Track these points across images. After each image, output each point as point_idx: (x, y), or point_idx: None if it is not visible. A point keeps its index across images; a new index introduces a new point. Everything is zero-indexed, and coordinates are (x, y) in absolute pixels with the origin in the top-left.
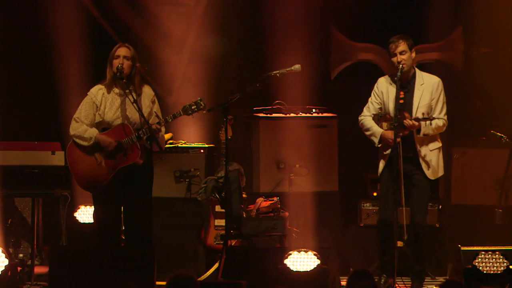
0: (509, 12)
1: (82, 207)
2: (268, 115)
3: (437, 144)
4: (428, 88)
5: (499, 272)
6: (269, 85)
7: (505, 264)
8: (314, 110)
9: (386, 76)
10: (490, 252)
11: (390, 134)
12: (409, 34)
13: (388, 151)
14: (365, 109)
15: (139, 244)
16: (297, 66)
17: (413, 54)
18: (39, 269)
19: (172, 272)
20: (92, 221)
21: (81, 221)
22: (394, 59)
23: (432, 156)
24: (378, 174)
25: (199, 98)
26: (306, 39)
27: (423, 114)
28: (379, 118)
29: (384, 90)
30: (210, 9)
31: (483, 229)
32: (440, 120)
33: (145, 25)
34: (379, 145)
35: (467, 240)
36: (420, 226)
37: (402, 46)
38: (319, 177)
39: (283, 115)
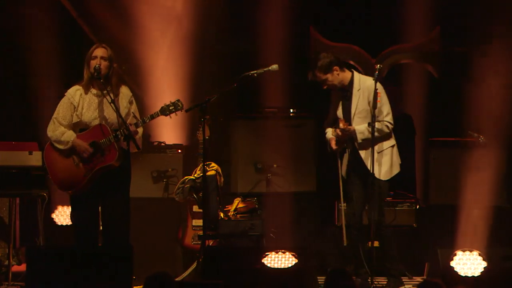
0: (485, 12)
1: (60, 208)
2: (246, 115)
3: (390, 142)
4: (364, 93)
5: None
6: (247, 85)
7: (482, 264)
8: (291, 111)
9: None
10: (467, 252)
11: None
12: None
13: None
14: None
15: (116, 245)
16: (274, 66)
17: (335, 73)
18: (16, 269)
19: (150, 272)
20: (69, 222)
21: (59, 223)
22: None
23: (383, 157)
24: (344, 173)
25: (177, 99)
26: (284, 39)
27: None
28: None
29: (334, 97)
30: (187, 9)
31: (460, 228)
32: (380, 123)
33: (123, 25)
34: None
35: (444, 240)
36: (379, 226)
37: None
38: (296, 177)
39: (261, 115)
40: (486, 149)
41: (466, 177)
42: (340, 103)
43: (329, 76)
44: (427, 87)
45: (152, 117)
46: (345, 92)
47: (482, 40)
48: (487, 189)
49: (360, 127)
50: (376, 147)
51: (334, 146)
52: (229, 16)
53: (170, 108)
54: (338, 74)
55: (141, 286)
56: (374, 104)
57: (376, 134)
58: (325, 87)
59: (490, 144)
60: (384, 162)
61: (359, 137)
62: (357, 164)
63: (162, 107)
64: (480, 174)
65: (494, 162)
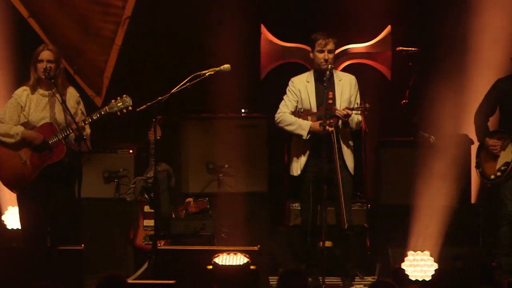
0: (436, 11)
1: (10, 207)
2: (198, 115)
3: (352, 141)
4: (346, 85)
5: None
6: (199, 85)
7: (433, 264)
8: (243, 111)
9: (302, 75)
10: (418, 252)
11: (318, 126)
12: (337, 34)
13: (308, 148)
14: (282, 107)
15: (65, 245)
16: (226, 66)
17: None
18: None
19: (101, 273)
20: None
21: (9, 226)
22: (321, 55)
23: (351, 152)
24: (299, 172)
25: (124, 95)
26: (235, 39)
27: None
28: (299, 113)
29: (302, 87)
30: (138, 9)
31: (411, 229)
32: (359, 115)
33: (74, 25)
34: (307, 137)
35: (395, 240)
36: (346, 225)
37: (331, 45)
38: (248, 178)
39: (213, 115)
40: (437, 149)
41: (417, 177)
42: (308, 92)
43: (334, 54)
44: (378, 87)
45: (101, 114)
46: (322, 78)
47: (432, 40)
48: (438, 189)
49: (353, 115)
50: (350, 142)
51: (330, 128)
52: (180, 15)
53: (118, 104)
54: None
55: None
56: (355, 98)
57: (358, 126)
58: (323, 64)
59: (440, 144)
60: (353, 158)
61: (350, 124)
62: (326, 160)
63: (110, 104)
64: (431, 174)
65: (445, 162)
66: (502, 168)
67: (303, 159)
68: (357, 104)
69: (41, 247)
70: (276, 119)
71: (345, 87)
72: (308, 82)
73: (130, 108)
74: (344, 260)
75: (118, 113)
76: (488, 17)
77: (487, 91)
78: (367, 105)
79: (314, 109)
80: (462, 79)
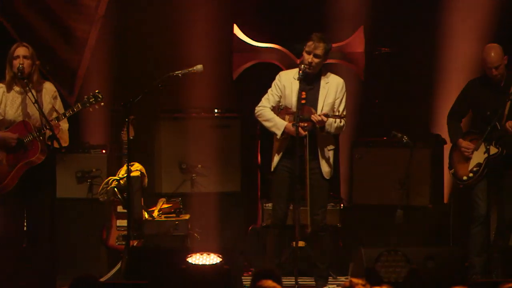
0: (408, 11)
1: None
2: (171, 115)
3: (333, 145)
4: (332, 88)
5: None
6: (172, 85)
7: (406, 263)
8: (216, 111)
9: (291, 70)
10: (392, 252)
11: (292, 126)
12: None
13: (284, 147)
14: (264, 100)
15: (40, 245)
16: (199, 66)
17: (323, 61)
18: None
19: (74, 273)
20: None
21: None
22: (307, 57)
23: (329, 156)
24: (272, 169)
25: (96, 91)
26: (208, 39)
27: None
28: (279, 110)
29: (287, 84)
30: (111, 8)
31: (385, 229)
32: (342, 120)
33: (47, 25)
34: (282, 137)
35: (368, 240)
36: (322, 225)
37: (320, 50)
38: (221, 178)
39: (186, 115)
40: (409, 149)
41: (389, 176)
42: (293, 90)
43: (322, 60)
44: (351, 87)
45: (73, 110)
46: (311, 81)
47: (405, 41)
48: (410, 189)
49: (330, 119)
50: (329, 147)
51: (303, 132)
52: (153, 14)
53: (91, 100)
54: (322, 62)
55: None
56: (340, 102)
57: (337, 130)
58: (306, 66)
59: (413, 144)
60: (330, 162)
61: (327, 128)
62: (299, 161)
63: (82, 100)
64: (403, 174)
65: (417, 162)
66: (474, 169)
67: (277, 158)
68: (339, 111)
69: (17, 247)
70: (256, 111)
71: (331, 90)
72: (294, 79)
73: (102, 103)
74: (317, 261)
75: (91, 109)
76: (460, 17)
77: (459, 92)
78: (344, 113)
79: (294, 108)
80: (434, 79)
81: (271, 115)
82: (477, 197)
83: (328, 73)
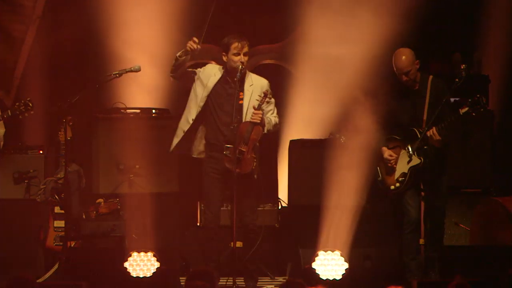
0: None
1: None
2: (108, 115)
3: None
4: (257, 90)
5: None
6: (110, 85)
7: (343, 263)
8: (154, 111)
9: (218, 66)
10: (328, 252)
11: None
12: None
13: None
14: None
15: None
16: (137, 66)
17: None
18: None
19: (11, 274)
20: None
21: None
22: (237, 58)
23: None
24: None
25: (28, 99)
26: (146, 39)
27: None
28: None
29: (204, 75)
30: (48, 8)
31: (321, 229)
32: (276, 118)
33: None
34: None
35: (306, 240)
36: (251, 226)
37: (246, 48)
38: (159, 178)
39: (123, 116)
40: (347, 150)
41: (327, 177)
42: (210, 87)
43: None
44: (289, 87)
45: (3, 117)
46: (233, 79)
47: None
48: (348, 189)
49: (265, 119)
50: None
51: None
52: (91, 14)
53: (21, 108)
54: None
55: None
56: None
57: (274, 128)
58: (235, 59)
59: (351, 144)
60: (256, 161)
61: (267, 127)
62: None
63: (12, 107)
64: (341, 174)
65: (355, 163)
66: (400, 179)
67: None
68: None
69: None
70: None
71: (255, 93)
72: (214, 75)
73: (32, 112)
74: (248, 261)
75: (20, 116)
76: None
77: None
78: (265, 92)
79: (195, 103)
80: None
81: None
82: (407, 203)
83: (252, 75)
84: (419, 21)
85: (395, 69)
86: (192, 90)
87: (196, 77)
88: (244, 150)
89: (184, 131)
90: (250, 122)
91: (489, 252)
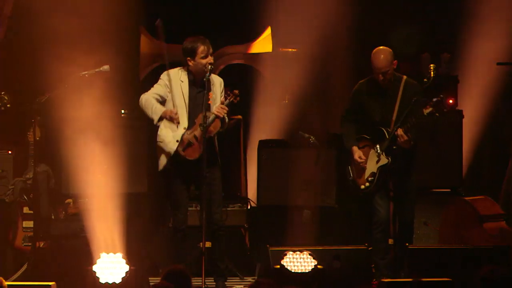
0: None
1: None
2: (77, 115)
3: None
4: (217, 89)
5: (307, 271)
6: (78, 85)
7: (313, 263)
8: (123, 111)
9: (175, 70)
10: (298, 252)
11: (198, 126)
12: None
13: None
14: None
15: None
16: (106, 67)
17: None
18: None
19: None
20: None
21: None
22: (205, 61)
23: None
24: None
25: (2, 92)
26: (115, 39)
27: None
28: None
29: (177, 83)
30: (16, 9)
31: (291, 229)
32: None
33: None
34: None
35: (275, 240)
36: (219, 225)
37: (211, 49)
38: (128, 178)
39: (92, 116)
40: (315, 150)
41: (296, 177)
42: (186, 93)
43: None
44: (257, 87)
45: None
46: (200, 84)
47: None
48: (316, 189)
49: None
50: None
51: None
52: (60, 14)
53: None
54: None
55: None
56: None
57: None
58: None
59: (319, 145)
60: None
61: (224, 126)
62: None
63: None
64: (309, 174)
65: (323, 163)
66: (369, 178)
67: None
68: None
69: None
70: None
71: (217, 91)
72: (182, 81)
73: (8, 105)
74: (217, 261)
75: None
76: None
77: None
78: (236, 91)
79: (184, 110)
80: (335, 79)
81: (155, 102)
82: (377, 204)
83: (211, 74)
84: (388, 20)
85: (372, 67)
86: (167, 103)
87: (168, 91)
88: (198, 136)
89: (177, 141)
90: (213, 113)
91: (458, 252)
